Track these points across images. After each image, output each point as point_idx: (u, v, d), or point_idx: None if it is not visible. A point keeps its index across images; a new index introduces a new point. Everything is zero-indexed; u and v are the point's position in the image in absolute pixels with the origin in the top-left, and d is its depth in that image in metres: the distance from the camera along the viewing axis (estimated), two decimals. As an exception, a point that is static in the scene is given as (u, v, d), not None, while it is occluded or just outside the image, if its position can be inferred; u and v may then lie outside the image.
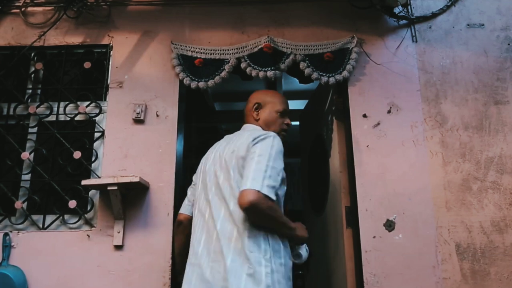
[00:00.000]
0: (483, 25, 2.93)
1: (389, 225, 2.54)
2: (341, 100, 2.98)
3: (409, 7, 2.88)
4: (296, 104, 4.78)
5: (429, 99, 2.77)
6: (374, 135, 2.72)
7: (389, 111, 2.76)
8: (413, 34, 2.90)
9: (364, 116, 2.75)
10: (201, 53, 2.86)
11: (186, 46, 2.87)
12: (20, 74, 2.93)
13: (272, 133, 1.84)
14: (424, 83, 2.81)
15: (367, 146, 2.69)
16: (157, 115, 2.77)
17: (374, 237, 2.52)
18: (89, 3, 2.97)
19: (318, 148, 3.42)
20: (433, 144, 2.68)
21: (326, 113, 3.24)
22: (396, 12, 2.87)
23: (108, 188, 2.42)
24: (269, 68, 2.78)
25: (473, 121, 2.72)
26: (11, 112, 2.84)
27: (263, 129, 2.04)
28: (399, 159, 2.65)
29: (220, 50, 2.86)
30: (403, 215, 2.54)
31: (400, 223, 2.53)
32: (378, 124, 2.74)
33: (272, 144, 1.76)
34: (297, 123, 4.11)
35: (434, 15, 2.94)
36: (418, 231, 2.51)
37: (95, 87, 2.88)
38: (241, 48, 2.87)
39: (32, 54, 2.95)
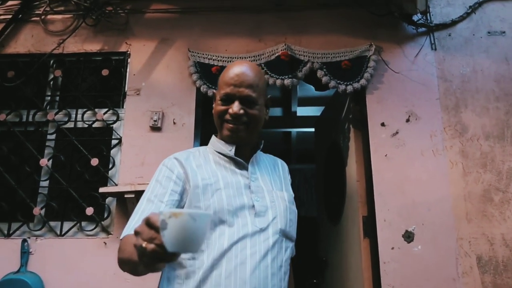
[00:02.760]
0: (504, 32, 2.88)
1: (408, 236, 2.50)
2: (358, 108, 2.95)
3: (428, 14, 2.85)
4: (311, 111, 4.76)
5: (449, 108, 2.73)
6: (392, 144, 2.68)
7: (407, 120, 2.72)
8: (432, 42, 2.86)
9: (382, 125, 2.72)
10: (218, 60, 2.86)
11: (203, 54, 2.87)
12: (39, 81, 2.96)
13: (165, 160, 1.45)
14: (444, 92, 2.76)
15: (385, 156, 2.66)
16: (174, 123, 2.77)
17: (392, 248, 2.48)
18: (107, 11, 3.00)
19: (334, 156, 3.39)
20: (453, 154, 2.64)
21: (342, 121, 3.21)
22: (415, 20, 2.84)
23: (125, 195, 2.43)
24: (286, 76, 2.76)
25: (494, 131, 2.67)
26: (30, 119, 2.86)
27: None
28: (418, 169, 2.61)
29: (237, 58, 2.85)
30: (422, 226, 2.50)
31: (419, 234, 2.49)
32: (397, 133, 2.70)
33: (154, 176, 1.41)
34: (312, 129, 4.09)
35: (454, 23, 2.90)
36: (437, 242, 2.47)
37: (112, 94, 2.90)
38: (258, 55, 2.86)
39: (51, 62, 2.98)
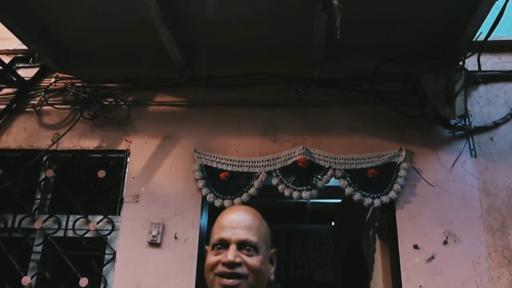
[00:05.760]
0: (555, 136, 2.51)
1: None
2: (385, 216, 2.59)
3: (467, 117, 2.50)
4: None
5: (494, 229, 2.34)
6: (428, 271, 2.29)
7: (445, 242, 2.34)
8: (472, 147, 2.50)
9: (415, 247, 2.34)
10: (227, 164, 2.54)
11: (210, 156, 2.56)
12: (30, 180, 2.68)
13: None
14: (487, 208, 2.39)
15: (420, 287, 2.27)
16: (176, 237, 2.44)
17: None
18: (107, 103, 2.74)
19: (356, 260, 3.01)
20: (501, 287, 2.23)
21: (366, 225, 2.84)
22: (452, 123, 2.49)
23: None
24: (304, 188, 2.43)
25: (549, 260, 2.26)
26: (16, 225, 2.56)
27: None
28: (459, 306, 2.21)
29: (249, 162, 2.53)
30: None
31: None
32: (433, 257, 2.32)
33: None
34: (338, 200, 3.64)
35: (496, 125, 2.55)
36: None
37: (108, 199, 2.59)
38: (273, 160, 2.53)
39: (44, 158, 2.70)
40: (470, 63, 2.60)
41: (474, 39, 2.40)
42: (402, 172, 2.44)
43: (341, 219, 3.48)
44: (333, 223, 4.65)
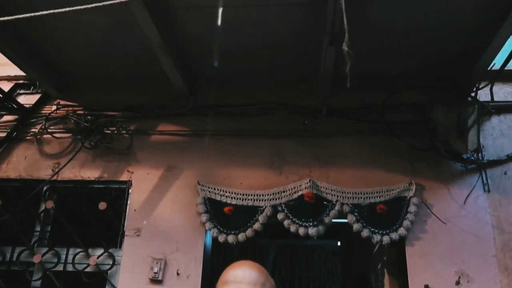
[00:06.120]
0: None
1: None
2: (394, 250, 2.51)
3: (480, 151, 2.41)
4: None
5: (509, 269, 2.25)
6: (439, 314, 2.20)
7: (457, 283, 2.25)
8: (485, 182, 2.42)
9: (427, 287, 2.25)
10: (231, 198, 2.47)
11: (214, 189, 2.49)
12: (29, 211, 2.62)
13: None
14: (501, 247, 2.29)
15: (432, 330, 2.18)
16: (178, 274, 2.36)
17: None
18: (109, 131, 2.68)
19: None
20: (516, 332, 2.14)
21: (374, 257, 2.76)
22: (464, 156, 2.40)
23: None
24: (311, 224, 2.35)
25: None
26: (14, 257, 2.50)
27: None
28: None
29: (254, 196, 2.46)
30: None
31: None
32: (445, 299, 2.23)
33: None
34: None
35: (510, 158, 2.46)
36: None
37: (109, 233, 2.52)
38: (278, 193, 2.46)
39: (44, 189, 2.64)
40: (483, 93, 2.52)
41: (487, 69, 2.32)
42: (412, 208, 2.36)
43: (348, 242, 3.39)
44: (339, 243, 4.57)
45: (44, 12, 1.56)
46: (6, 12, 1.80)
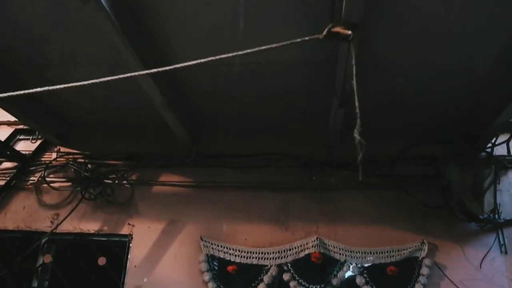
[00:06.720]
0: None
1: None
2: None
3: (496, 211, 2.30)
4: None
5: None
6: None
7: None
8: (502, 243, 2.30)
9: None
10: (235, 255, 2.37)
11: (218, 246, 2.39)
12: (27, 265, 2.54)
13: None
14: (520, 314, 2.18)
15: None
16: (179, 337, 2.27)
17: None
18: (110, 181, 2.60)
19: None
20: None
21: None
22: (480, 217, 2.29)
23: None
24: (318, 286, 2.25)
25: None
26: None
27: None
28: None
29: (258, 253, 2.37)
30: None
31: None
32: None
33: None
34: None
35: (528, 217, 2.34)
36: None
37: (108, 290, 2.44)
38: (284, 251, 2.36)
39: (43, 241, 2.56)
40: (498, 146, 2.41)
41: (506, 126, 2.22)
42: (424, 270, 2.25)
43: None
44: None
45: (61, 86, 1.41)
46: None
